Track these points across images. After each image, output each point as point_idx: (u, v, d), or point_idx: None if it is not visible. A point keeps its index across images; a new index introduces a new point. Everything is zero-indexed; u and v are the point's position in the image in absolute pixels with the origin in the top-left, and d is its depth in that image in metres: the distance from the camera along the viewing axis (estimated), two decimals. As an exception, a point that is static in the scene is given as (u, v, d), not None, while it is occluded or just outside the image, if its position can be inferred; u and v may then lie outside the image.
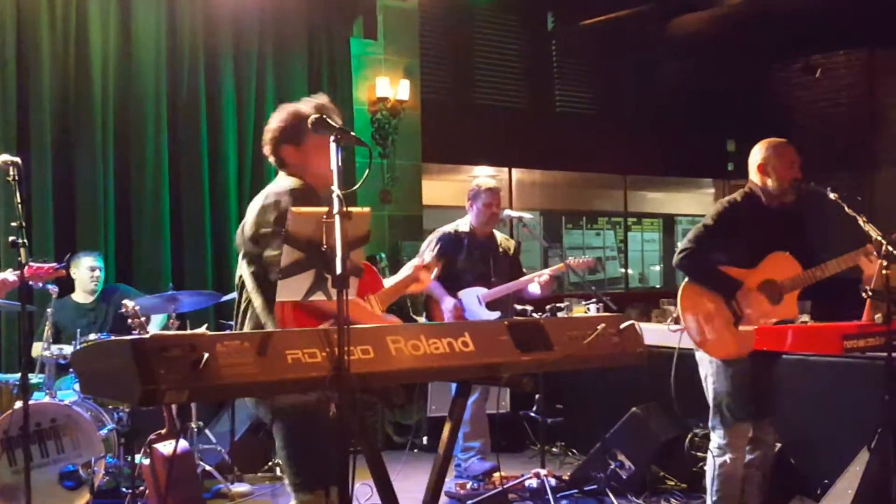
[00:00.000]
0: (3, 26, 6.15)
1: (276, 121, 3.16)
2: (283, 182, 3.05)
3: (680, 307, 4.06)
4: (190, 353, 2.02)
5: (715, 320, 3.99)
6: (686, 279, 4.12)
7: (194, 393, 2.06)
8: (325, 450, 2.49)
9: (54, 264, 4.50)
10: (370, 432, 2.48)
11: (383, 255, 7.95)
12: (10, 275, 4.11)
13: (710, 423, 4.14)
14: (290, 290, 2.32)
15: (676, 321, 4.09)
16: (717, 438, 4.09)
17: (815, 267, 3.96)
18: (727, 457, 4.04)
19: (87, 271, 5.68)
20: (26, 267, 4.00)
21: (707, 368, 4.09)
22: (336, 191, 2.27)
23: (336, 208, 2.22)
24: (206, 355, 2.01)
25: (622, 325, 2.65)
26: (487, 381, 2.51)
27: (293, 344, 2.16)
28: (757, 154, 4.11)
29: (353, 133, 2.59)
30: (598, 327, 2.60)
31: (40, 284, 4.61)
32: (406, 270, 3.68)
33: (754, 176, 4.12)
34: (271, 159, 3.19)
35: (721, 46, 10.70)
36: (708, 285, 4.03)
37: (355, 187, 2.42)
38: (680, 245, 4.12)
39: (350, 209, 2.26)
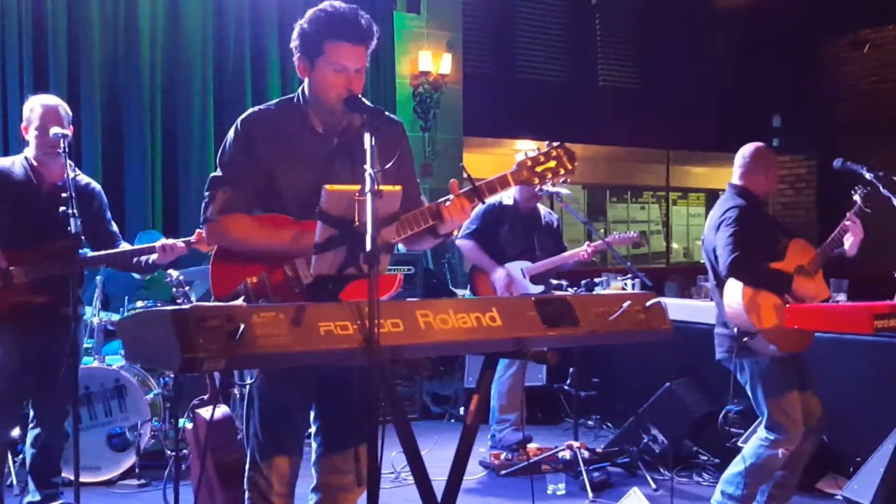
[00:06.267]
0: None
1: (303, 20, 2.88)
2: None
3: (747, 314, 3.89)
4: (227, 323, 2.11)
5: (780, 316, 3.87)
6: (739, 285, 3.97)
7: (231, 362, 2.15)
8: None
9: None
10: (399, 402, 2.56)
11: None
12: (180, 242, 4.23)
13: (766, 424, 4.03)
14: (325, 264, 2.42)
15: (748, 334, 3.92)
16: (778, 438, 4.00)
17: (824, 243, 4.09)
18: (780, 451, 3.98)
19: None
20: (197, 232, 4.19)
21: (757, 377, 4.00)
22: (368, 169, 2.34)
23: (368, 186, 2.29)
24: (243, 326, 2.10)
25: (648, 303, 2.69)
26: (513, 355, 2.57)
27: (326, 316, 2.24)
28: (745, 160, 4.19)
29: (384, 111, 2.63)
30: (624, 304, 2.64)
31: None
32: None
33: (744, 179, 4.18)
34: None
35: (767, 20, 10.57)
36: (766, 287, 3.94)
37: (387, 166, 2.47)
38: (723, 255, 3.94)
39: (381, 187, 2.33)
